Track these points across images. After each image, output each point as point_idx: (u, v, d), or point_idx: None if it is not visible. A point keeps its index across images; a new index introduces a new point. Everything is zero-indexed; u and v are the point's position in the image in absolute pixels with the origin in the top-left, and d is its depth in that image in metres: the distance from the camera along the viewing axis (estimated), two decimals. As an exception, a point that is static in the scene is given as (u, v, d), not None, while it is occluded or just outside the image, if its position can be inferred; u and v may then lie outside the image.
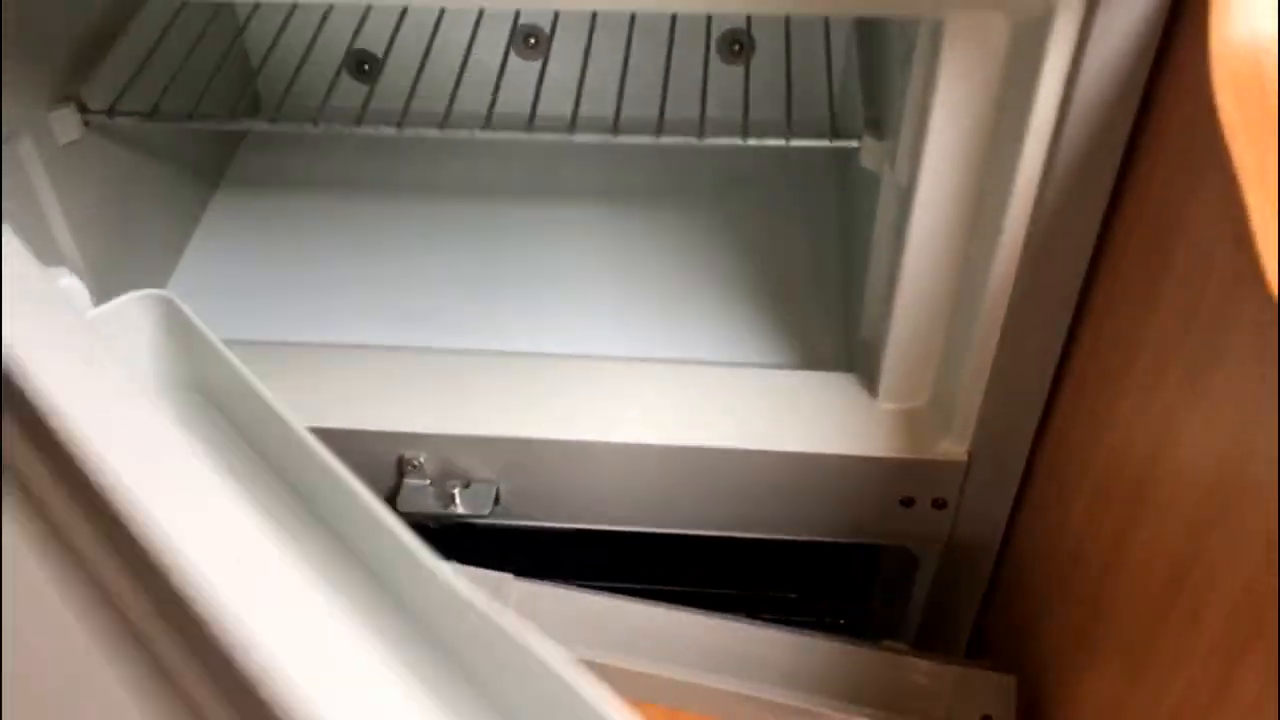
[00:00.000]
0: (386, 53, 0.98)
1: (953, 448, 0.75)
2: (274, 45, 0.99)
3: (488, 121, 0.83)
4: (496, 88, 0.86)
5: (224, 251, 0.99)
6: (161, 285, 0.91)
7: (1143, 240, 0.60)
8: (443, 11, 0.97)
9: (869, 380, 0.79)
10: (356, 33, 0.99)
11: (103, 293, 0.54)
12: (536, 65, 0.91)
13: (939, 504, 0.78)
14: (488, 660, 0.37)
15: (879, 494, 0.78)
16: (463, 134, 0.81)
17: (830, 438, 0.77)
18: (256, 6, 1.02)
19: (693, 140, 0.80)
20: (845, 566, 0.99)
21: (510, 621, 0.36)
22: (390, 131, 0.82)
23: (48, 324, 0.40)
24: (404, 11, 0.97)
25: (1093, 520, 0.65)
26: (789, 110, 0.84)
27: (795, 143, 0.80)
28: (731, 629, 0.73)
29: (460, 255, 0.97)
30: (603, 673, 0.40)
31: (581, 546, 0.87)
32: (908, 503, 0.78)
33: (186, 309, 0.52)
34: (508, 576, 0.74)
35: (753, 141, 0.80)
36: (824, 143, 0.80)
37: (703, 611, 0.74)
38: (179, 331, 0.53)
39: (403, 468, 0.78)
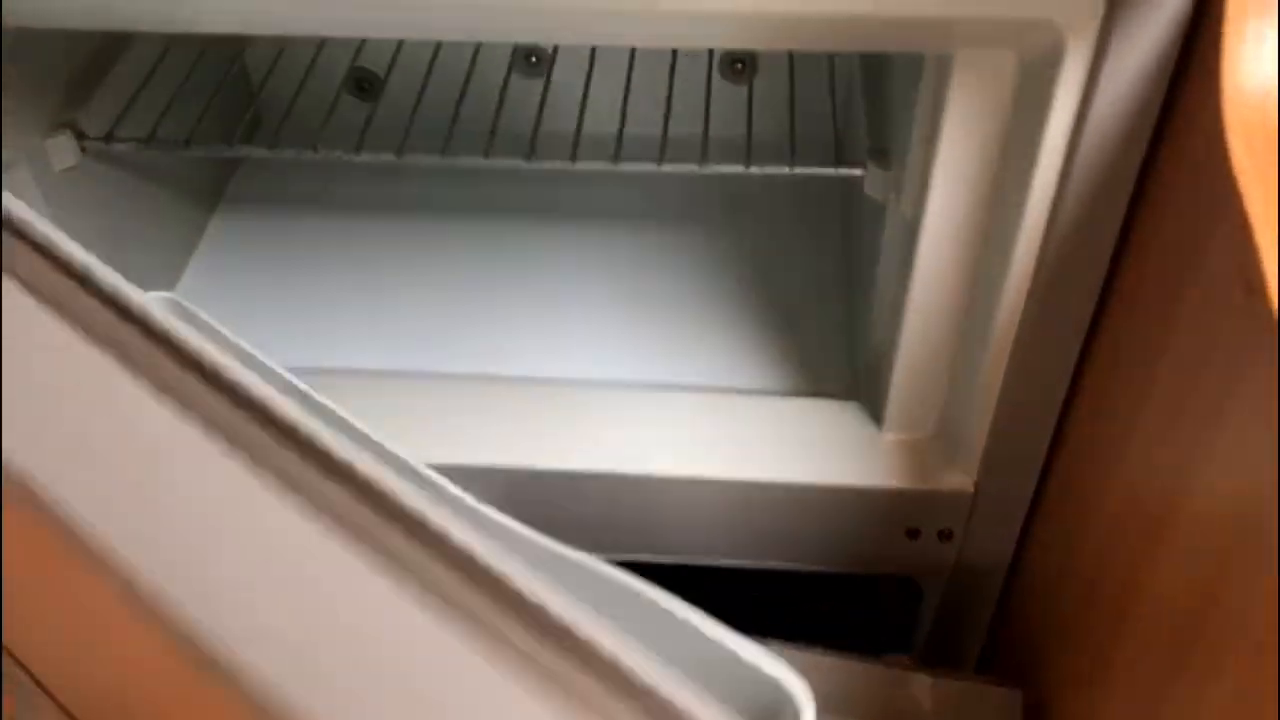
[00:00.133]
0: (388, 72, 0.97)
1: (959, 479, 0.75)
2: (275, 64, 0.98)
3: (489, 146, 0.82)
4: (498, 112, 0.85)
5: (222, 275, 0.98)
6: (160, 309, 0.90)
7: (1154, 279, 0.59)
8: (443, 32, 0.97)
9: (873, 409, 0.78)
10: (358, 52, 0.99)
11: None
12: (539, 84, 0.90)
13: (945, 535, 0.77)
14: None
15: (883, 525, 0.77)
16: (464, 161, 0.81)
17: (834, 468, 0.76)
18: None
19: (695, 168, 0.79)
20: (846, 594, 0.98)
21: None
22: (390, 159, 0.81)
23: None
24: (404, 32, 0.96)
25: (1107, 553, 0.65)
26: (792, 135, 0.83)
27: (799, 170, 0.79)
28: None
29: (461, 279, 0.96)
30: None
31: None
32: (913, 534, 0.77)
33: (198, 310, 0.52)
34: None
35: (755, 170, 0.80)
36: (828, 170, 0.79)
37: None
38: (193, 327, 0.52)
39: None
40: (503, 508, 0.79)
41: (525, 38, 0.90)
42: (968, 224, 0.65)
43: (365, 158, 0.82)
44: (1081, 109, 0.57)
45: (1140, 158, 0.58)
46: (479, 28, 0.63)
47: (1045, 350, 0.67)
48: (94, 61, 0.83)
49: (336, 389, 0.80)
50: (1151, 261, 0.59)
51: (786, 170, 0.80)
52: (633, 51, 0.90)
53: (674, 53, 0.91)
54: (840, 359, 0.89)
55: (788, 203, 1.03)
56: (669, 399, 0.80)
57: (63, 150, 0.78)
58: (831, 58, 0.93)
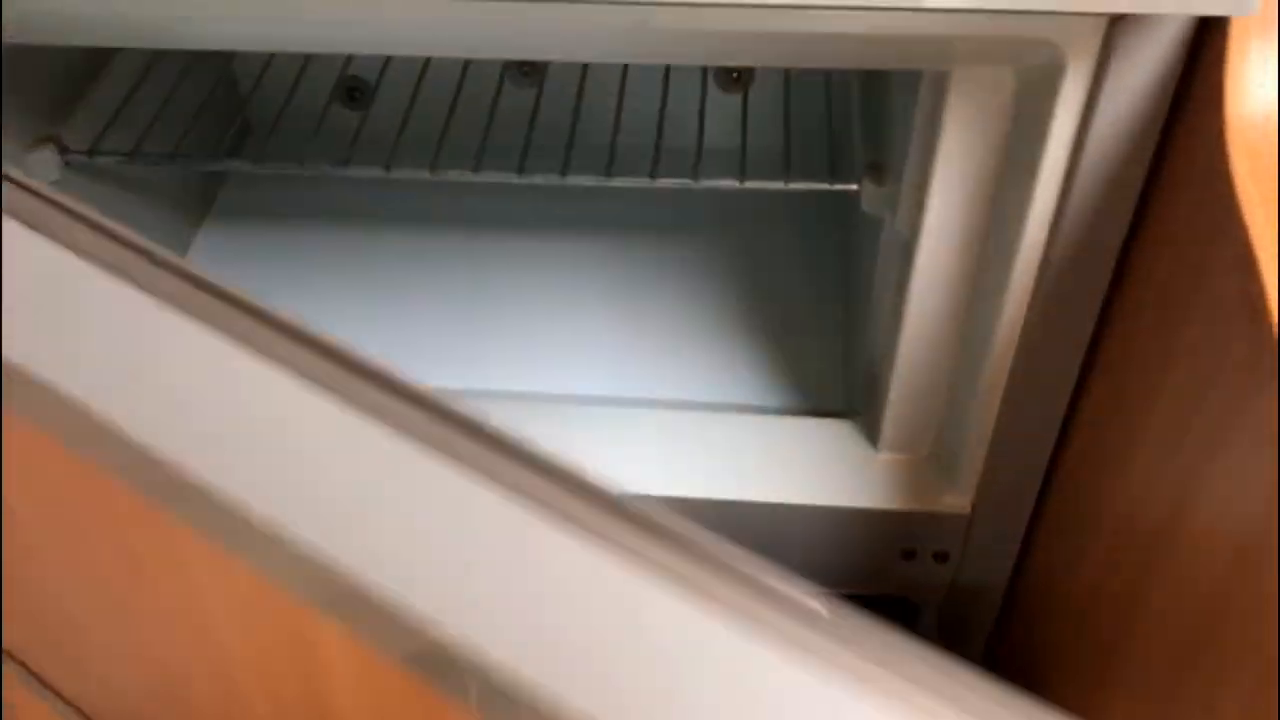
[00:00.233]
0: (379, 80, 0.96)
1: (955, 500, 0.73)
2: (264, 72, 0.96)
3: (479, 160, 0.80)
4: (489, 124, 0.84)
5: (211, 286, 0.96)
6: (146, 323, 0.88)
7: (1155, 302, 0.58)
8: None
9: (869, 429, 0.77)
10: (348, 60, 0.97)
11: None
12: (531, 92, 0.89)
13: (941, 557, 0.76)
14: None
15: (879, 546, 0.76)
16: (453, 175, 0.79)
17: (828, 489, 0.75)
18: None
19: (688, 182, 0.78)
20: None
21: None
22: (379, 173, 0.80)
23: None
24: (395, 41, 0.95)
25: (1106, 577, 0.64)
26: (787, 147, 0.82)
27: (793, 185, 0.78)
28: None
29: (451, 292, 0.95)
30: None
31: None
32: (908, 555, 0.76)
33: None
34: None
35: (750, 185, 0.78)
36: (823, 185, 0.78)
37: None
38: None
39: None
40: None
41: (516, 55, 0.89)
42: (965, 243, 0.64)
43: (353, 171, 0.80)
44: (1082, 128, 0.55)
45: (1142, 177, 0.57)
46: (469, 46, 0.62)
47: (1044, 371, 0.66)
48: (78, 74, 0.82)
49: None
50: (1153, 284, 0.58)
51: (781, 185, 0.78)
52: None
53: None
54: (836, 376, 0.88)
55: (784, 215, 1.02)
56: (661, 417, 0.79)
57: (45, 164, 0.77)
58: (828, 70, 0.91)
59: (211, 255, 0.99)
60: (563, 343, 0.90)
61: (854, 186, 0.76)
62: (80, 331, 0.37)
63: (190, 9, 0.55)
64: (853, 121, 0.86)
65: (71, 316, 0.38)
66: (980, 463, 0.71)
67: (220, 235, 1.01)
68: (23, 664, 0.70)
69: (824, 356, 0.89)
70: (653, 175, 0.78)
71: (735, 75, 1.01)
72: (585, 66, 0.92)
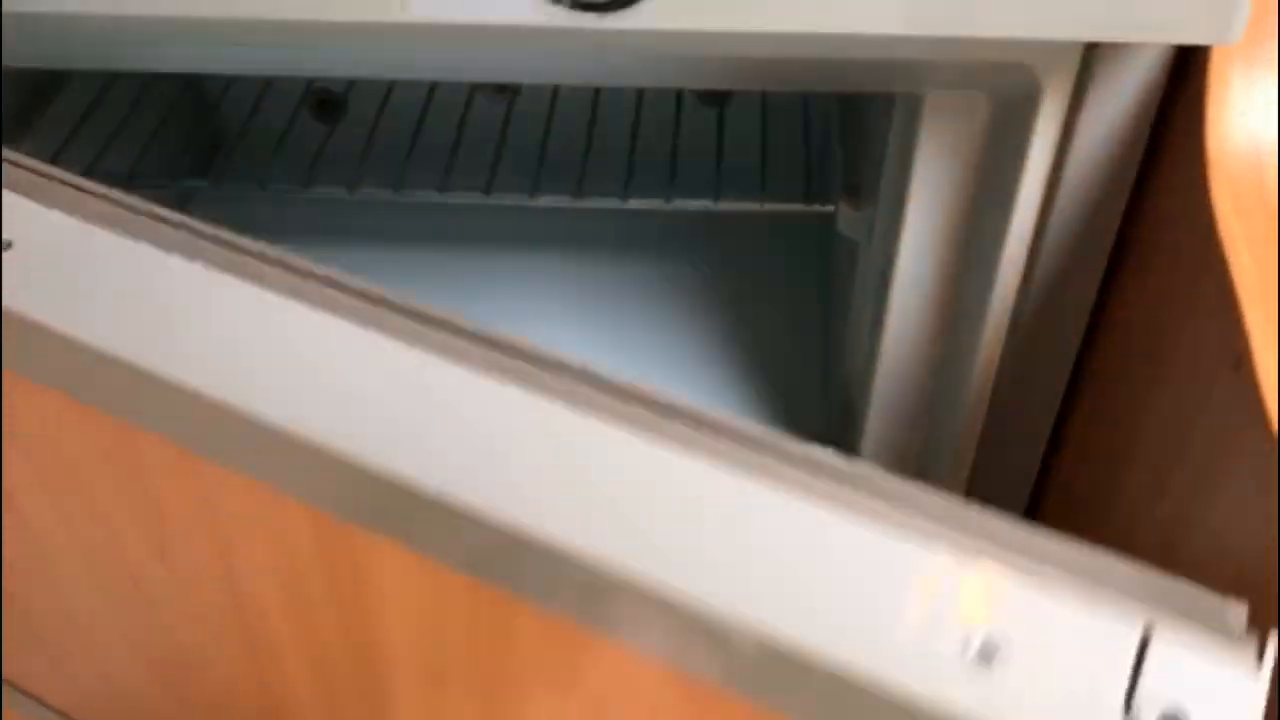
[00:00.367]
0: (347, 91, 0.94)
1: (935, 530, 0.71)
2: (231, 82, 0.94)
3: (446, 180, 0.78)
4: (457, 141, 0.82)
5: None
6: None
7: (1140, 330, 0.56)
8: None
9: (847, 453, 0.74)
10: (316, 73, 0.95)
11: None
12: (502, 104, 0.87)
13: (921, 587, 0.74)
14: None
15: (857, 577, 0.74)
16: (418, 196, 0.77)
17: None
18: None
19: (661, 203, 0.76)
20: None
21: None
22: (342, 193, 0.78)
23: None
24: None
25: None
26: (764, 166, 0.80)
27: (769, 206, 0.76)
28: None
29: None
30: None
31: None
32: (888, 586, 0.74)
33: None
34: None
35: (724, 205, 0.76)
36: (799, 207, 0.76)
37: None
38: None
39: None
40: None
41: (486, 78, 0.87)
42: (942, 270, 0.62)
43: (316, 193, 0.78)
44: (1059, 156, 0.53)
45: (1123, 206, 0.55)
46: (437, 68, 0.60)
47: (1024, 403, 0.64)
48: (37, 84, 0.80)
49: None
50: (1137, 316, 0.56)
51: (756, 206, 0.76)
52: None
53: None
54: (815, 399, 0.85)
55: (763, 234, 0.99)
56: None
57: (-3, 184, 0.74)
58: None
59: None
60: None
61: (830, 209, 0.74)
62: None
63: (145, 39, 0.54)
64: (832, 140, 0.84)
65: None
66: (960, 491, 0.69)
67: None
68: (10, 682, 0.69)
69: (804, 380, 0.87)
70: (624, 196, 0.76)
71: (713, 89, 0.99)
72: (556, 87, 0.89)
